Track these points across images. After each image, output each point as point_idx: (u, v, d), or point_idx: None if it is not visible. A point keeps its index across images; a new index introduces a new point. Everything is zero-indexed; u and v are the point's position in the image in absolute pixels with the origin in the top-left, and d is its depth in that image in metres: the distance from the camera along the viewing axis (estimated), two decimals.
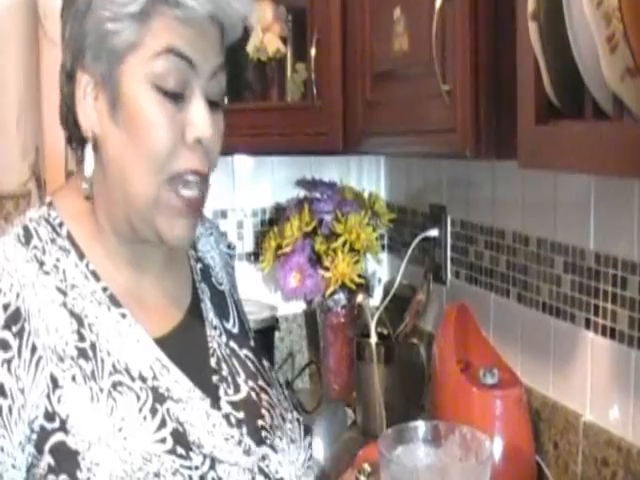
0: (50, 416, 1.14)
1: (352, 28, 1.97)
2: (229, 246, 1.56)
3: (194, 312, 1.36)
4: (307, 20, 2.12)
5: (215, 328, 1.37)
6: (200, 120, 1.19)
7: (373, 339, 2.31)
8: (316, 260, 2.50)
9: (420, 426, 1.48)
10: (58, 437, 1.14)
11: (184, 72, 1.18)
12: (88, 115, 1.22)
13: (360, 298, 2.41)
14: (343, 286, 2.48)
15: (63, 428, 1.14)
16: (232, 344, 1.38)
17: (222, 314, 1.41)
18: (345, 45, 2.01)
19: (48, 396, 1.15)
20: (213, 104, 1.23)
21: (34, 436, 1.14)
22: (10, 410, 1.13)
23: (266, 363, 1.44)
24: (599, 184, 1.70)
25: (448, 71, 1.50)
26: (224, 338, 1.38)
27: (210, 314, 1.38)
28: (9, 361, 1.13)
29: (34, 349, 1.15)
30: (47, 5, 2.34)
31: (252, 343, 1.44)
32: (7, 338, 1.14)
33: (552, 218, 1.87)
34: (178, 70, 1.18)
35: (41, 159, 2.41)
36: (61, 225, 1.26)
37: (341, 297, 2.53)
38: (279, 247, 2.52)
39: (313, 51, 2.04)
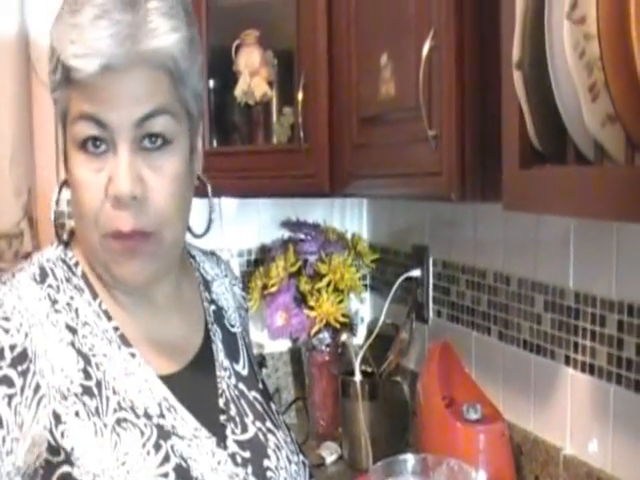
0: (55, 450, 1.15)
1: (338, 73, 2.01)
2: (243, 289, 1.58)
3: (205, 353, 1.36)
4: (294, 64, 2.15)
5: (225, 369, 1.37)
6: (116, 177, 1.17)
7: (357, 377, 2.35)
8: (301, 300, 2.53)
9: (409, 459, 1.52)
10: (64, 469, 1.15)
11: (99, 132, 1.18)
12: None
13: (344, 337, 2.46)
14: (327, 325, 2.50)
15: (68, 460, 1.15)
16: (241, 386, 1.38)
17: (232, 356, 1.41)
18: (332, 90, 2.05)
19: (51, 431, 1.16)
20: (155, 147, 1.20)
21: (41, 471, 1.15)
22: (3, 440, 1.14)
23: (273, 406, 1.44)
24: (579, 225, 1.75)
25: (435, 117, 1.55)
26: (233, 380, 1.38)
27: (221, 355, 1.38)
28: (10, 397, 1.15)
29: (37, 388, 1.16)
30: (39, 47, 2.36)
31: (260, 386, 1.45)
32: (12, 376, 1.15)
33: (533, 258, 1.91)
34: (92, 132, 1.18)
35: (33, 199, 2.42)
36: (77, 265, 1.29)
37: (326, 336, 2.56)
38: (265, 287, 2.55)
39: (300, 95, 2.07)
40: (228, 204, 2.73)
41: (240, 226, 2.77)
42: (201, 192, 1.37)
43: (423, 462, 1.52)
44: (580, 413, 1.78)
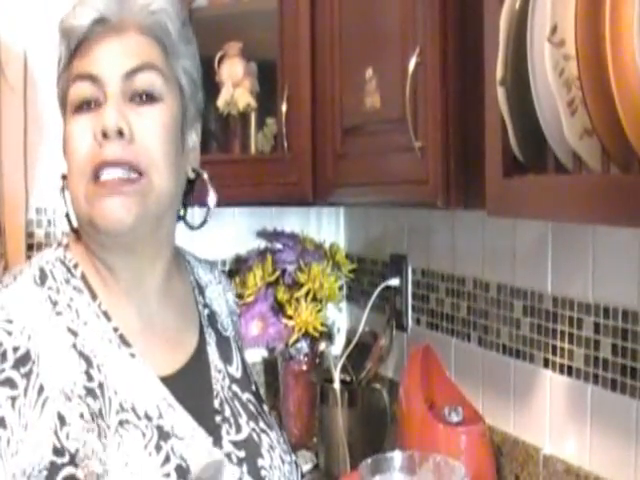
0: (59, 452, 1.23)
1: (321, 84, 2.14)
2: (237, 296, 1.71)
3: (200, 354, 1.46)
4: (276, 75, 2.25)
5: (219, 371, 1.47)
6: (103, 114, 1.29)
7: (337, 385, 2.45)
8: (278, 309, 2.62)
9: (396, 456, 1.66)
10: (68, 470, 1.23)
11: (90, 87, 1.31)
12: None
13: (322, 346, 2.56)
14: (305, 334, 2.60)
15: (72, 462, 1.23)
16: (235, 387, 1.49)
17: (226, 359, 1.51)
18: (315, 100, 2.17)
19: (56, 433, 1.23)
20: (143, 98, 1.33)
21: (45, 472, 1.23)
22: (8, 442, 1.21)
23: (266, 407, 1.54)
24: (555, 231, 1.88)
25: (420, 129, 1.67)
26: (227, 381, 1.48)
27: (215, 357, 1.48)
28: (14, 398, 1.22)
29: (41, 389, 1.24)
30: (8, 52, 2.44)
31: (253, 388, 1.55)
32: (14, 378, 1.23)
33: (511, 264, 2.05)
34: (84, 88, 1.31)
35: (0, 205, 2.48)
36: (76, 266, 1.38)
37: (303, 345, 2.65)
38: (241, 297, 2.61)
39: (284, 106, 2.19)
40: (200, 214, 2.80)
41: (213, 237, 2.71)
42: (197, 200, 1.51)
43: (410, 459, 1.63)
44: (559, 413, 1.90)
